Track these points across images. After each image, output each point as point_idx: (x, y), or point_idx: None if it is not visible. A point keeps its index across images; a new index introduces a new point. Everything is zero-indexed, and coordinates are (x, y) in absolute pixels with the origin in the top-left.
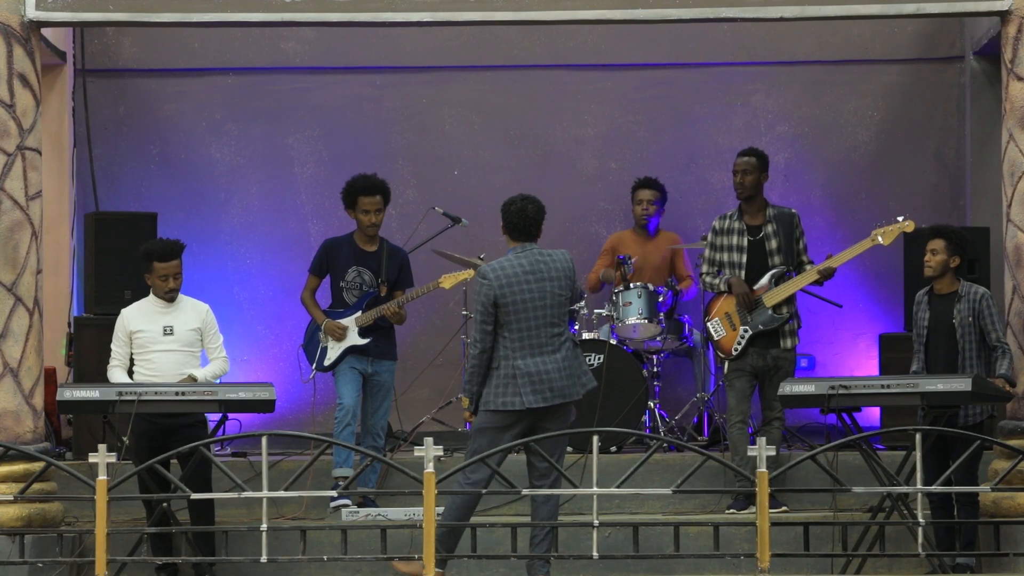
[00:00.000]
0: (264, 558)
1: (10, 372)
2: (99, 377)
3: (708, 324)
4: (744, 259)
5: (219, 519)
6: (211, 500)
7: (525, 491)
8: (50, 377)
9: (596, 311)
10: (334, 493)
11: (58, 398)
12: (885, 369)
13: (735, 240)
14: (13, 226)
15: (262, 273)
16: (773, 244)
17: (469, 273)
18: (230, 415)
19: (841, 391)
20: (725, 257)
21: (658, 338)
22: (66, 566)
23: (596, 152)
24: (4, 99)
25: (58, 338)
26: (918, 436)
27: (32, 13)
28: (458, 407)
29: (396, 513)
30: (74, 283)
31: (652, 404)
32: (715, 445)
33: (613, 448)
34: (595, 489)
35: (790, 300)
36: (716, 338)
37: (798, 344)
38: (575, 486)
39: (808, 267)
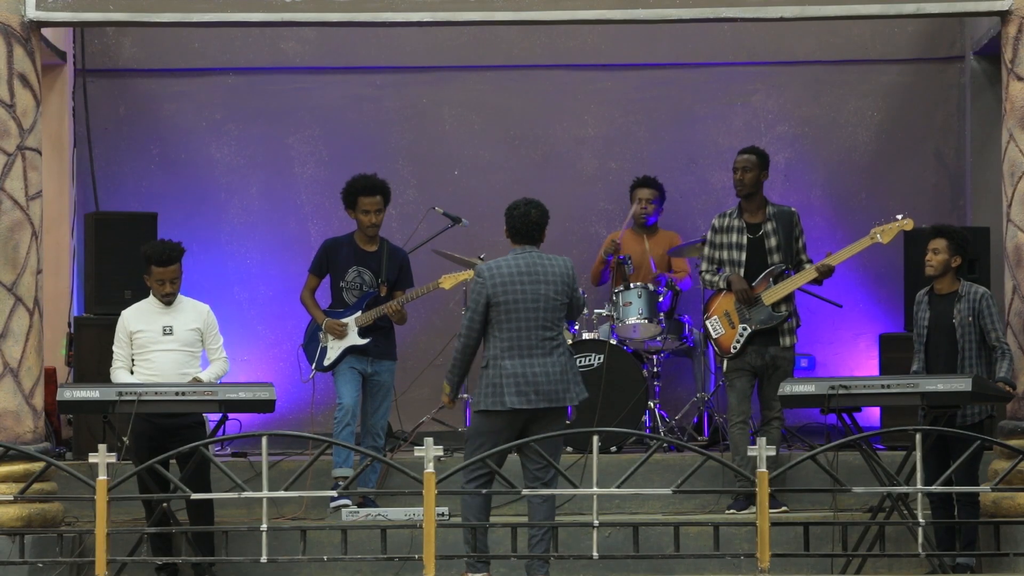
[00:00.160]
0: (264, 558)
1: (10, 372)
2: (99, 377)
3: (707, 322)
4: (743, 257)
5: (219, 519)
6: (211, 500)
7: (525, 491)
8: (50, 377)
9: (596, 311)
10: (334, 493)
11: (58, 398)
12: (885, 369)
13: (734, 238)
14: (13, 226)
15: (262, 273)
16: (772, 242)
17: (469, 274)
18: (230, 415)
19: (841, 391)
20: (724, 255)
21: (658, 338)
22: (66, 566)
23: (596, 152)
24: (4, 99)
25: (58, 338)
26: (918, 436)
27: (32, 13)
28: (458, 407)
29: (396, 513)
30: (74, 283)
31: (652, 404)
32: (715, 445)
33: (613, 448)
34: (595, 489)
35: (789, 299)
36: (715, 336)
37: (797, 343)
38: (575, 486)
39: (807, 266)
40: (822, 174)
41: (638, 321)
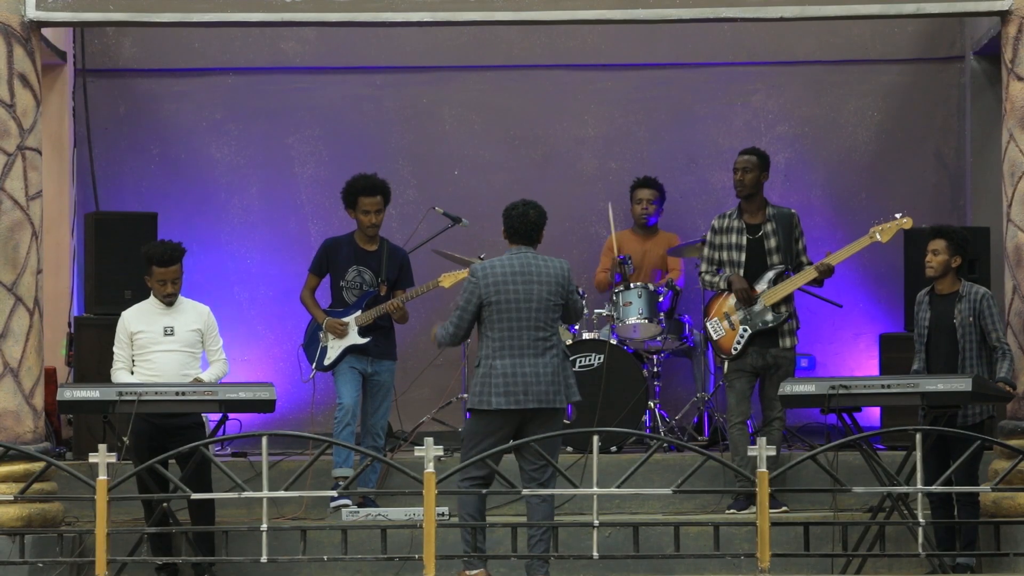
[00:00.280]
0: (264, 558)
1: (10, 372)
2: (99, 377)
3: (707, 324)
4: (743, 258)
5: (219, 519)
6: (211, 500)
7: (525, 491)
8: (50, 377)
9: (596, 311)
10: (334, 493)
11: (58, 398)
12: (885, 369)
13: (734, 239)
14: (13, 226)
15: (262, 273)
16: (772, 243)
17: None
18: (230, 415)
19: (841, 391)
20: (724, 256)
21: (658, 338)
22: (66, 566)
23: (596, 152)
24: (4, 99)
25: (58, 338)
26: (918, 436)
27: (32, 13)
28: (458, 407)
29: (396, 513)
30: (74, 283)
31: (652, 404)
32: (715, 445)
33: (613, 448)
34: (595, 489)
35: (789, 299)
36: (715, 338)
37: (797, 344)
38: (575, 486)
39: (807, 267)
40: (822, 174)
41: (638, 321)
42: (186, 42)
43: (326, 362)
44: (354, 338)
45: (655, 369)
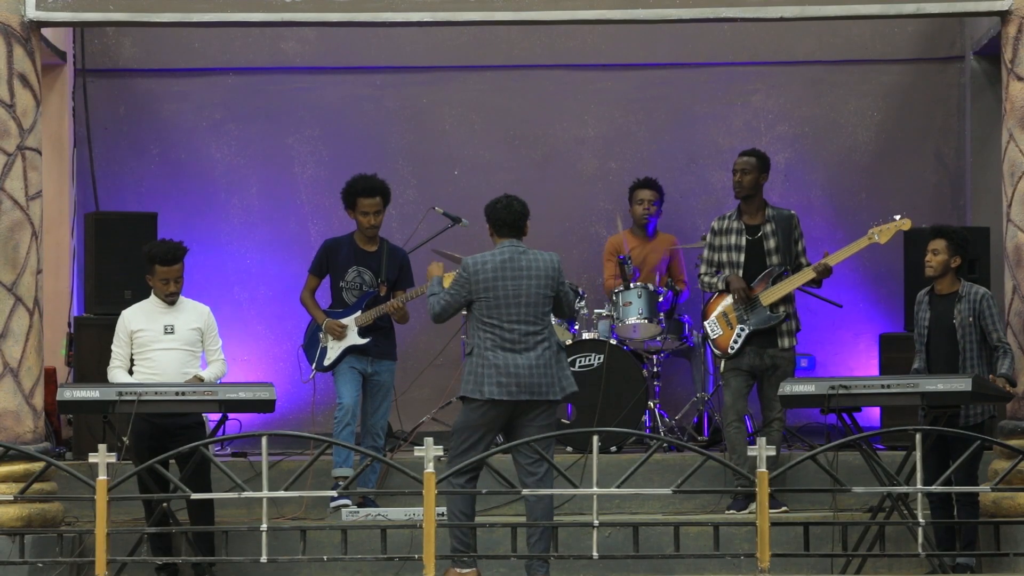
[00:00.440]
0: (264, 558)
1: (10, 372)
2: (99, 377)
3: (706, 324)
4: (742, 258)
5: (219, 519)
6: (211, 500)
7: (525, 491)
8: (50, 377)
9: (596, 311)
10: (334, 493)
11: (58, 398)
12: (885, 369)
13: (733, 239)
14: (13, 226)
15: (262, 273)
16: (771, 244)
17: None
18: (230, 415)
19: (841, 391)
20: (724, 257)
21: (658, 338)
22: (66, 566)
23: (596, 152)
24: (4, 99)
25: (58, 338)
26: (918, 436)
27: (32, 13)
28: (458, 407)
29: (396, 513)
30: (74, 283)
31: (652, 404)
32: (715, 445)
33: (613, 448)
34: (595, 489)
35: (788, 300)
36: (713, 337)
37: (796, 345)
38: (575, 486)
39: (806, 268)
40: (822, 174)
41: (638, 321)
42: (186, 42)
43: (326, 362)
44: (354, 338)
45: (655, 369)
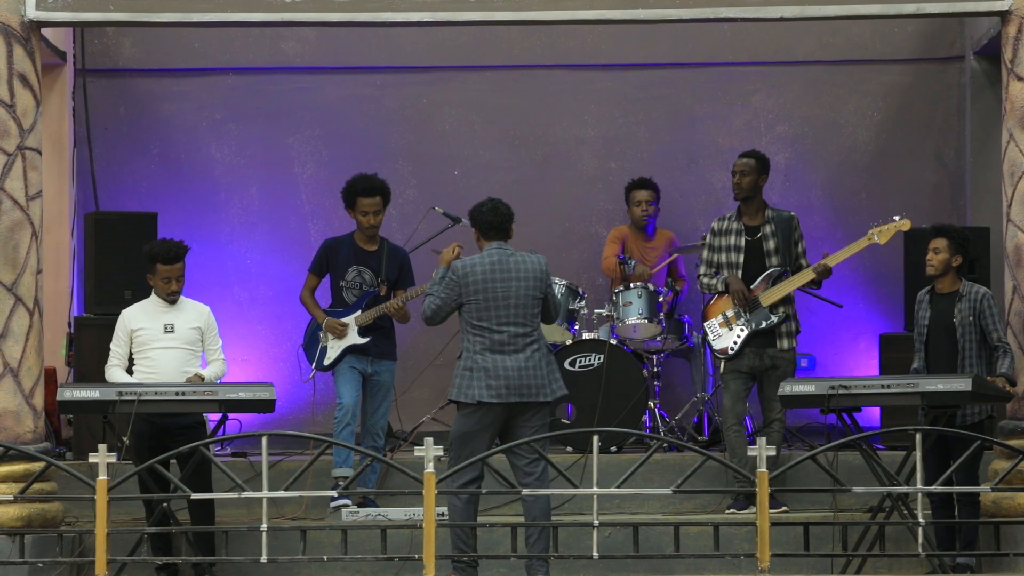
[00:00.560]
0: (264, 558)
1: (10, 372)
2: (99, 377)
3: (705, 325)
4: (741, 259)
5: (219, 519)
6: (211, 500)
7: (525, 492)
8: (50, 377)
9: (596, 311)
10: (334, 493)
11: (58, 398)
12: (885, 369)
13: (732, 240)
14: (13, 226)
15: (262, 273)
16: (771, 245)
17: None
18: (230, 415)
19: (841, 391)
20: (723, 258)
21: (658, 338)
22: (66, 566)
23: (596, 152)
24: (4, 99)
25: (58, 338)
26: (918, 436)
27: (32, 13)
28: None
29: (396, 513)
30: (74, 283)
31: (652, 404)
32: (715, 445)
33: (613, 448)
34: (595, 489)
35: (787, 301)
36: (712, 338)
37: (796, 346)
38: (575, 486)
39: (805, 269)
40: (822, 174)
41: (638, 321)
42: (186, 42)
43: (326, 362)
44: (354, 338)
45: (655, 369)
